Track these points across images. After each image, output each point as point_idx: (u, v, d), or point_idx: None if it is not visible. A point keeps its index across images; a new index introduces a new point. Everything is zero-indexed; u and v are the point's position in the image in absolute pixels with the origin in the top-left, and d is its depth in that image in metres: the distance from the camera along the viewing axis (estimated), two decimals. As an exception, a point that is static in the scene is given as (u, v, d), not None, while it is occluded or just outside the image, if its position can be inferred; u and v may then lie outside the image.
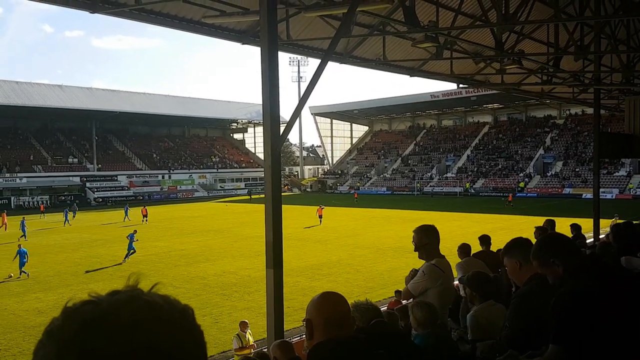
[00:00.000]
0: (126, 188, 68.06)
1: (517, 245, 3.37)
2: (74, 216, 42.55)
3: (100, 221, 43.20)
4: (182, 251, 27.59)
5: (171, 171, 74.26)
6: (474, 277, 4.29)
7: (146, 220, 40.94)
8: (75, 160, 68.23)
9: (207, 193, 73.33)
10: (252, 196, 65.03)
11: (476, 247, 9.56)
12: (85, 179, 65.20)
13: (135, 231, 26.89)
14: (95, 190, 64.94)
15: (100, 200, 62.75)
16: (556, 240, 2.88)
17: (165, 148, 79.95)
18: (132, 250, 25.28)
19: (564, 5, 12.66)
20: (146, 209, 42.80)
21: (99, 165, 68.27)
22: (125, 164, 72.06)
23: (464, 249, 8.31)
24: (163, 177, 73.08)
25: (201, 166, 78.77)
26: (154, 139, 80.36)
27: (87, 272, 22.97)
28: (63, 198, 60.51)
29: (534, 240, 3.28)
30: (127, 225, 39.88)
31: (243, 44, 11.48)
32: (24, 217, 35.24)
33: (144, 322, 0.77)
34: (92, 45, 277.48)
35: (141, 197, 64.43)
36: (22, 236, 31.74)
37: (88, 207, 56.43)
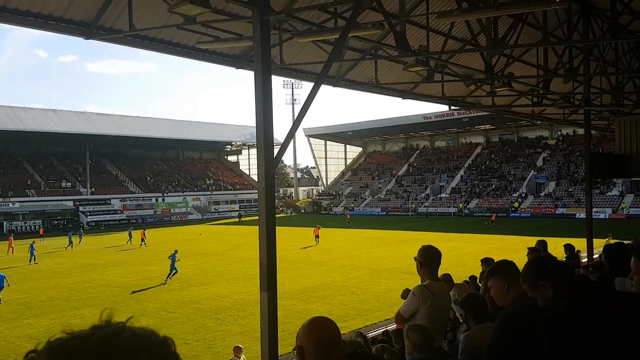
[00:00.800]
0: (119, 211, 67.74)
1: (503, 267, 3.38)
2: (79, 241, 42.59)
3: (96, 245, 42.83)
4: (175, 275, 27.35)
5: (165, 194, 74.04)
6: (467, 299, 4.30)
7: (144, 244, 40.55)
8: (69, 184, 67.99)
9: (201, 215, 73.08)
10: (243, 219, 64.88)
11: (475, 268, 9.56)
12: (78, 203, 64.90)
13: (176, 251, 27.13)
14: (89, 214, 64.60)
15: (93, 224, 62.37)
16: (546, 263, 2.90)
17: (159, 171, 79.87)
18: (174, 271, 25.85)
19: (553, 29, 12.92)
20: (144, 233, 42.42)
21: (92, 189, 68.02)
22: (119, 188, 71.84)
23: (446, 280, 8.19)
24: (156, 200, 72.82)
25: (195, 188, 78.62)
26: (147, 162, 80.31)
27: (133, 292, 22.72)
28: (56, 222, 60.14)
29: (521, 263, 3.29)
30: (129, 248, 39.70)
31: (237, 68, 11.60)
32: (33, 241, 34.99)
33: (135, 353, 0.78)
34: (86, 69, 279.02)
35: (134, 221, 64.10)
36: (31, 260, 32.41)
37: (78, 231, 55.98)
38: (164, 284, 25.02)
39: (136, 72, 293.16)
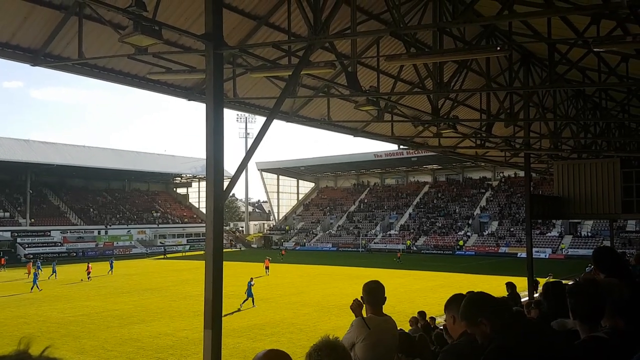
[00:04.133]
0: (59, 244, 64.72)
1: (454, 299, 3.42)
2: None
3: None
4: (115, 311, 26.20)
5: (108, 226, 71.41)
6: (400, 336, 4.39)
7: (89, 277, 39.25)
8: (7, 214, 64.66)
9: (146, 249, 70.73)
10: (167, 255, 64.06)
11: (422, 305, 9.66)
12: (16, 234, 61.65)
13: (252, 278, 28.75)
14: (27, 246, 61.34)
15: (31, 256, 59.06)
16: (482, 299, 2.97)
17: (103, 202, 77.23)
18: (250, 297, 27.02)
19: (495, 76, 13.61)
20: (90, 267, 40.80)
21: (32, 220, 64.88)
22: (60, 219, 68.84)
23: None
24: (99, 233, 70.08)
25: (142, 221, 76.28)
26: (91, 193, 77.60)
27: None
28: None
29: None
30: (106, 280, 37.74)
31: (189, 100, 11.57)
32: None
33: None
34: (31, 96, 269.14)
35: (74, 254, 61.37)
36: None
37: (18, 263, 52.99)
38: (239, 310, 25.96)
39: (83, 100, 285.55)
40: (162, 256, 63.46)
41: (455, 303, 3.41)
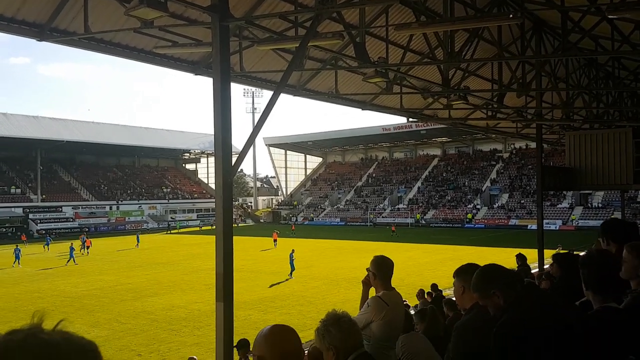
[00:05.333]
0: (71, 219, 65.53)
1: (465, 270, 3.40)
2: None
3: (47, 253, 41.18)
4: (128, 285, 26.61)
5: (119, 202, 72.08)
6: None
7: (87, 251, 40.65)
8: (19, 190, 65.35)
9: (158, 224, 71.48)
10: (172, 231, 64.71)
11: (431, 278, 9.67)
12: (28, 210, 62.39)
13: (293, 250, 29.88)
14: (39, 221, 62.17)
15: (44, 232, 59.99)
16: (495, 272, 2.94)
17: (113, 178, 77.77)
18: (292, 268, 28.43)
19: (507, 45, 13.36)
20: (90, 241, 42.89)
21: (43, 196, 65.57)
22: (71, 195, 69.51)
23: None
24: (111, 208, 70.79)
25: (152, 197, 76.89)
26: (102, 169, 78.11)
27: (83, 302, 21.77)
28: (4, 230, 57.67)
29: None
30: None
31: (196, 74, 11.47)
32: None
33: (67, 355, 0.74)
34: (38, 72, 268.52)
35: (87, 229, 62.15)
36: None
37: (31, 239, 53.77)
38: (289, 279, 27.50)
39: (91, 75, 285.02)
40: (166, 232, 64.24)
41: (465, 273, 3.39)
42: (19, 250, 35.06)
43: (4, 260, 36.15)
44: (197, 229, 65.58)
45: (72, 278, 29.10)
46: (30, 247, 44.57)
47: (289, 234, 54.64)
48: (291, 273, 28.22)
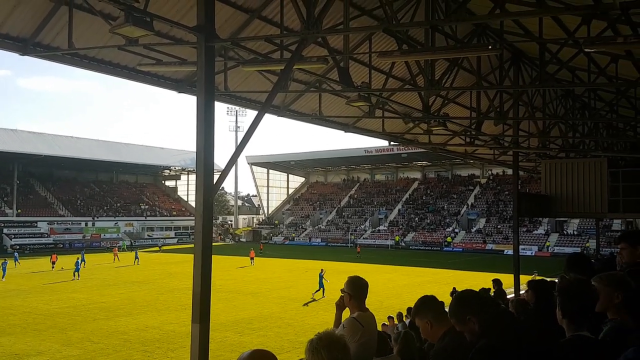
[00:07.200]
0: (46, 235, 64.22)
1: (426, 305, 3.37)
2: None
3: (20, 270, 40.14)
4: (102, 304, 26.06)
5: (95, 218, 70.91)
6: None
7: (53, 267, 40.89)
8: (-7, 204, 64.04)
9: (133, 242, 70.38)
10: (162, 247, 64.32)
11: (409, 301, 9.71)
12: (2, 225, 61.02)
13: (323, 270, 29.81)
14: (13, 236, 60.79)
15: (18, 247, 58.58)
16: (470, 297, 2.99)
17: (90, 194, 76.60)
18: (321, 288, 28.26)
19: (486, 74, 13.69)
20: (56, 256, 43.30)
21: (19, 211, 64.25)
22: (47, 210, 68.23)
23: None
24: (86, 225, 69.57)
25: (129, 213, 75.80)
26: (79, 184, 76.93)
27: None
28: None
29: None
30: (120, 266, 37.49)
31: (179, 92, 11.49)
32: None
33: None
34: (18, 85, 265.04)
35: (61, 245, 60.89)
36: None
37: (4, 254, 52.44)
38: (322, 298, 27.44)
39: (71, 90, 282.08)
40: (158, 248, 63.67)
41: (424, 307, 3.32)
42: (6, 263, 35.72)
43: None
44: (157, 249, 64.72)
45: (45, 295, 28.42)
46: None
47: (256, 252, 54.09)
48: (322, 292, 28.06)
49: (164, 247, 65.36)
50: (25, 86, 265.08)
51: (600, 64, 12.39)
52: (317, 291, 28.28)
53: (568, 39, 10.31)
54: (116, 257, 47.48)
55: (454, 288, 13.69)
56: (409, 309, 15.56)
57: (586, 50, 8.41)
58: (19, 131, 69.00)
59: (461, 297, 3.00)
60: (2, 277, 34.48)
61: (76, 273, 35.48)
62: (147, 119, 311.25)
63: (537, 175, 30.44)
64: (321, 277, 28.72)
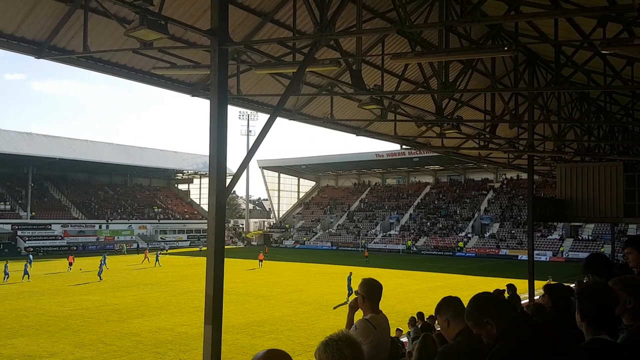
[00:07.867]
0: (60, 237, 64.86)
1: (446, 303, 3.41)
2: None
3: (34, 272, 40.51)
4: (115, 305, 26.24)
5: (109, 221, 71.50)
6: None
7: (70, 268, 41.73)
8: (8, 206, 64.76)
9: (147, 244, 70.73)
10: (169, 250, 64.52)
11: (420, 305, 9.65)
12: (17, 227, 61.73)
13: (351, 273, 29.38)
14: (27, 239, 61.47)
15: (31, 249, 59.21)
16: (488, 300, 2.94)
17: (104, 197, 77.30)
18: (352, 291, 27.17)
19: (500, 77, 13.57)
20: (73, 257, 44.42)
21: (33, 213, 64.98)
22: (61, 212, 68.93)
23: None
24: (100, 227, 70.17)
25: (143, 216, 76.36)
26: (93, 187, 77.67)
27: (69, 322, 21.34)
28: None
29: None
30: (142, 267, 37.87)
31: (193, 96, 11.55)
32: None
33: None
34: (32, 88, 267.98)
35: (75, 248, 61.42)
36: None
37: (18, 256, 53.04)
38: (345, 303, 26.90)
39: (86, 93, 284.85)
40: (165, 251, 63.54)
41: (445, 306, 3.37)
42: (26, 266, 36.46)
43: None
44: (165, 252, 64.59)
45: (58, 297, 28.68)
46: (18, 264, 43.99)
47: (263, 256, 54.01)
48: (351, 294, 27.71)
49: (170, 251, 65.47)
50: (40, 89, 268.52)
51: (616, 67, 12.23)
52: (349, 294, 27.94)
53: (583, 41, 10.20)
54: (146, 258, 48.69)
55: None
56: (419, 314, 15.46)
57: (603, 52, 8.32)
58: (33, 134, 69.89)
59: (479, 300, 2.95)
60: (26, 278, 35.24)
61: (100, 275, 36.35)
62: (160, 123, 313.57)
63: (552, 179, 30.15)
64: (349, 280, 28.66)
